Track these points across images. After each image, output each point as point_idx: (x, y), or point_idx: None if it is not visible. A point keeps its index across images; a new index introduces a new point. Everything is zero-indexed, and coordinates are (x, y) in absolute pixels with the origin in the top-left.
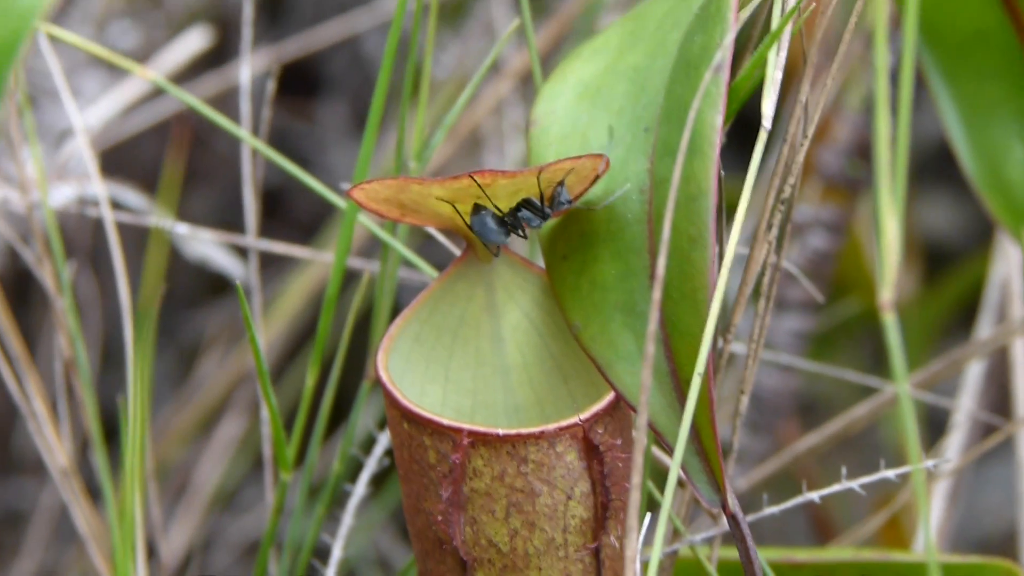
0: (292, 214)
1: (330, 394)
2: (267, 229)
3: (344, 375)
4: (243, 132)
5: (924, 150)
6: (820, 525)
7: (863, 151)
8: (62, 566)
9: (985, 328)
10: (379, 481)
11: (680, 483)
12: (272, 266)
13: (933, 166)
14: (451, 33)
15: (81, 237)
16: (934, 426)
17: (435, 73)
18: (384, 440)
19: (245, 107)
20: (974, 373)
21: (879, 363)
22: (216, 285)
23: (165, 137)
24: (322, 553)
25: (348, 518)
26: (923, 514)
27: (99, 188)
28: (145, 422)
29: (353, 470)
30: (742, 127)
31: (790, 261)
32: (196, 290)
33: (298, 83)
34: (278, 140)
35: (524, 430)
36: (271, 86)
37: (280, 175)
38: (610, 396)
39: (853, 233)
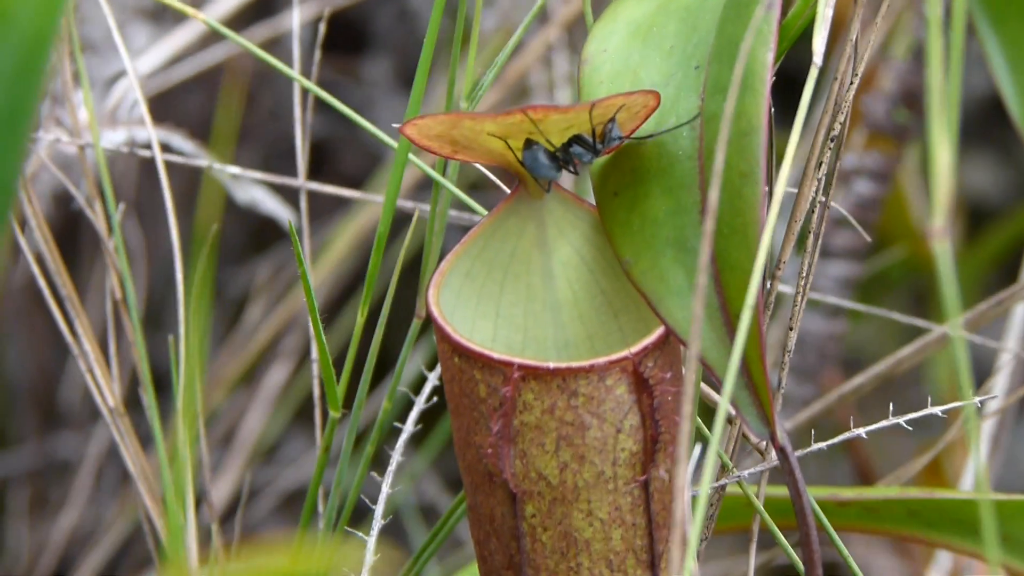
0: (339, 169)
1: (379, 333)
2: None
3: (393, 316)
4: (295, 73)
5: (968, 110)
6: (863, 472)
7: (909, 100)
8: (107, 518)
9: None
10: (424, 428)
11: (729, 420)
12: (320, 217)
13: (977, 127)
14: None
15: (127, 185)
16: (979, 370)
17: (484, 24)
18: (433, 379)
19: (296, 49)
20: (1019, 315)
21: (923, 313)
22: (263, 237)
23: (212, 89)
24: (365, 507)
25: (397, 455)
26: (974, 447)
27: (150, 132)
28: (198, 361)
29: (402, 409)
30: (785, 85)
31: (835, 210)
32: (243, 243)
33: (345, 40)
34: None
35: (574, 363)
36: (322, 30)
37: (327, 129)
38: (660, 330)
39: (898, 183)
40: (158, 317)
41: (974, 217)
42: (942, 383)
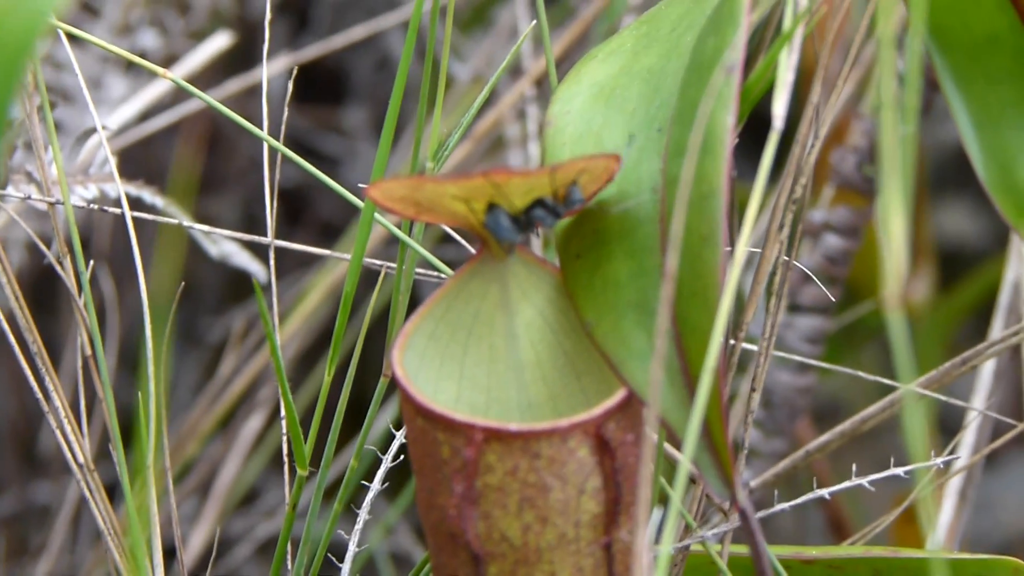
0: (318, 214)
1: (346, 391)
2: (290, 233)
3: (362, 373)
4: (263, 133)
5: (942, 158)
6: (836, 526)
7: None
8: (85, 564)
9: (998, 329)
10: (395, 481)
11: (693, 480)
12: (295, 270)
13: (951, 175)
14: (473, 39)
15: (101, 236)
16: (948, 428)
17: (458, 77)
18: (401, 437)
19: (264, 106)
20: (987, 373)
21: (894, 367)
22: (240, 286)
23: (184, 136)
24: (338, 551)
25: (364, 513)
26: (928, 510)
27: (120, 189)
28: (162, 417)
29: (370, 467)
30: (756, 131)
31: (804, 263)
32: (220, 291)
33: (325, 90)
34: (304, 147)
35: (537, 426)
36: (290, 86)
37: (304, 180)
38: (622, 393)
39: (869, 236)
40: (135, 361)
41: (949, 265)
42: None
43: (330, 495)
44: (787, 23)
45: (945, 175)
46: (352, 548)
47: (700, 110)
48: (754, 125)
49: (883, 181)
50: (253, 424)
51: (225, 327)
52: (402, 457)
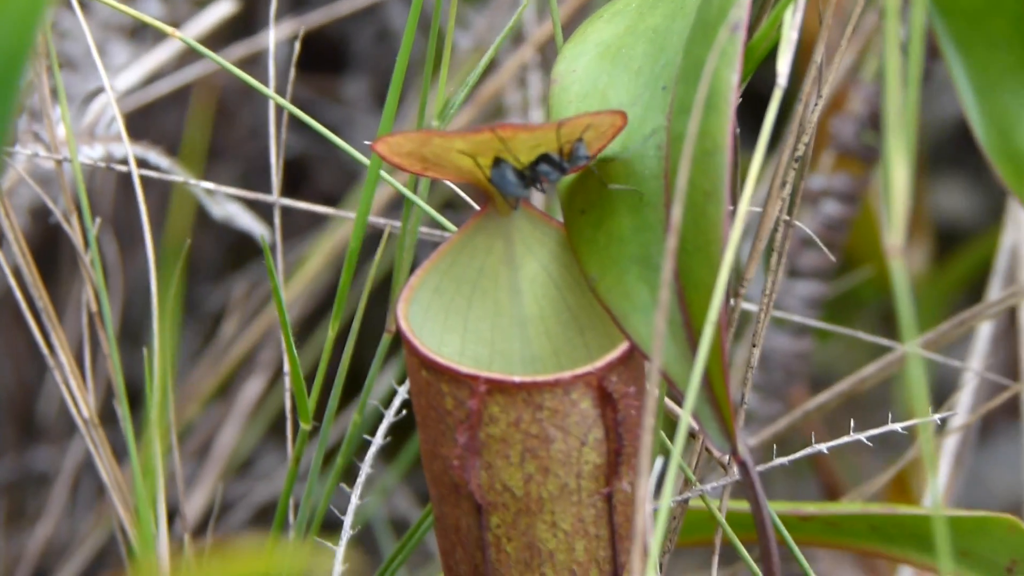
0: (316, 186)
1: (350, 347)
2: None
3: (365, 331)
4: (269, 91)
5: (939, 135)
6: (830, 489)
7: (878, 122)
8: (82, 529)
9: (995, 291)
10: (395, 443)
11: (692, 434)
12: (295, 234)
13: (948, 151)
14: (475, 8)
15: (104, 201)
16: (944, 390)
17: (460, 46)
18: (403, 392)
19: (271, 68)
20: (983, 335)
21: (890, 333)
22: (239, 254)
23: (187, 103)
24: (335, 519)
25: (366, 467)
26: (931, 465)
27: (127, 147)
28: (169, 374)
29: (373, 423)
30: (753, 106)
31: (803, 229)
32: (219, 259)
33: (325, 60)
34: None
35: (540, 378)
36: (296, 48)
37: (304, 147)
38: (624, 346)
39: (867, 204)
40: (135, 331)
41: (945, 240)
42: (909, 402)
43: (329, 459)
44: None
45: (941, 153)
46: (354, 501)
47: (705, 68)
48: (751, 100)
49: (887, 134)
50: (253, 387)
51: (224, 295)
52: (404, 412)
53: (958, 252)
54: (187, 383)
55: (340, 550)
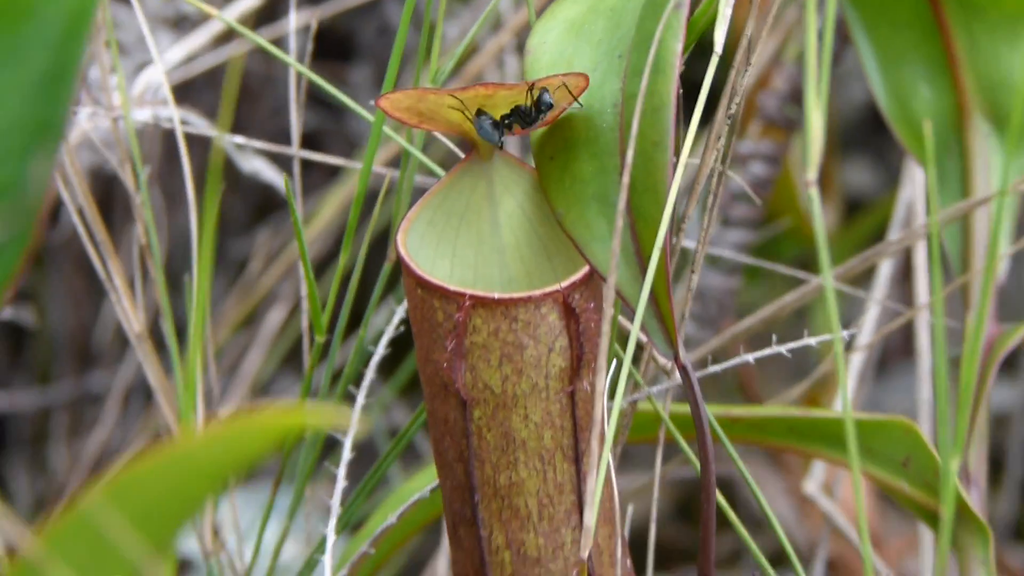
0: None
1: (358, 272)
2: (305, 171)
3: (369, 267)
4: (291, 59)
5: (848, 119)
6: (752, 401)
7: (797, 97)
8: (131, 437)
9: (895, 234)
10: (393, 361)
11: (640, 347)
12: (310, 191)
13: (856, 134)
14: (463, 5)
15: (151, 162)
16: (851, 320)
17: (449, 35)
18: (400, 312)
19: (292, 44)
20: (884, 272)
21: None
22: (263, 211)
23: (220, 88)
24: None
25: (371, 372)
26: (840, 371)
27: (172, 109)
28: (206, 303)
29: (376, 338)
30: (691, 91)
31: (733, 187)
32: (246, 216)
33: (334, 50)
34: (317, 97)
35: (515, 295)
36: (313, 26)
37: (316, 123)
38: (585, 269)
39: (786, 167)
40: (176, 279)
41: (852, 208)
42: (821, 332)
43: (337, 378)
44: None
45: (849, 136)
46: (360, 400)
47: (654, 39)
48: (689, 88)
49: (807, 94)
50: (275, 317)
51: (250, 244)
52: (403, 328)
53: (861, 214)
54: (218, 313)
55: (348, 440)
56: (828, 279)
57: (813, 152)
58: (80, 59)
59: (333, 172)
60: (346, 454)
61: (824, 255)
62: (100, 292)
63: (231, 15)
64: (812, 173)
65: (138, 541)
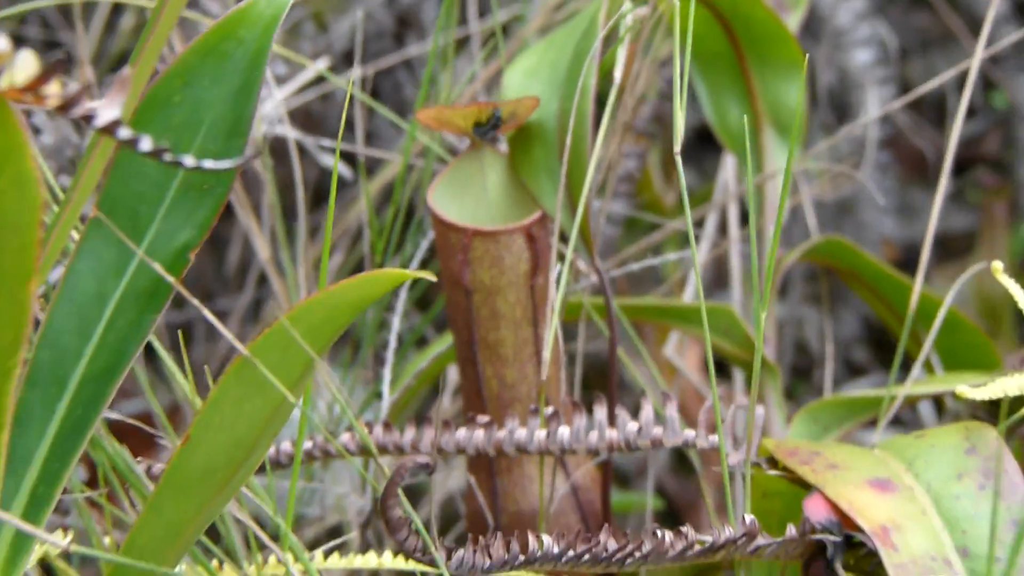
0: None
1: (402, 217)
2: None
3: (408, 214)
4: (362, 94)
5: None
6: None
7: (658, 119)
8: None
9: (719, 196)
10: (426, 296)
11: (570, 261)
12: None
13: (686, 147)
14: (465, 56)
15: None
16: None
17: (459, 72)
18: (426, 243)
19: (356, 75)
20: (711, 220)
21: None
22: (326, 196)
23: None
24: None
25: (401, 304)
26: (696, 277)
27: (287, 126)
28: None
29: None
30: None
31: (618, 173)
32: (319, 196)
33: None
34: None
35: (498, 227)
36: (364, 75)
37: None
38: (539, 213)
39: (647, 164)
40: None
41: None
42: (671, 273)
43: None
44: (621, 33)
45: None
46: (399, 309)
47: (579, 78)
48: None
49: (675, 110)
50: (335, 261)
51: (320, 215)
52: (429, 252)
53: (691, 196)
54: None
55: (398, 310)
56: (689, 223)
57: (677, 134)
58: (259, 84)
59: (376, 162)
60: (396, 322)
61: (686, 206)
62: (228, 239)
63: (316, 67)
64: (677, 146)
65: (310, 346)
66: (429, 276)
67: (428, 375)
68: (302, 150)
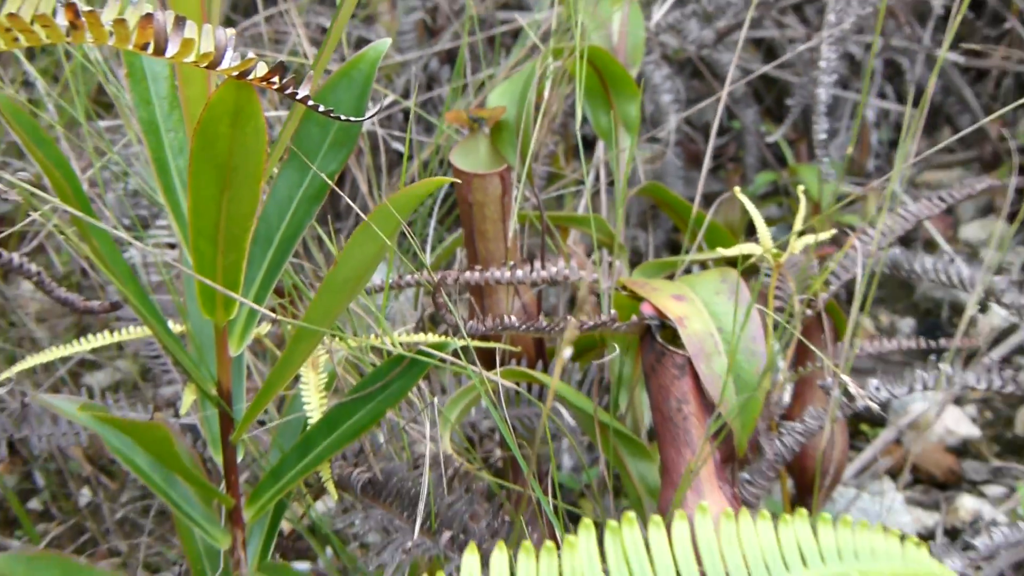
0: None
1: (435, 169)
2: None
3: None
4: (413, 107)
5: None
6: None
7: (563, 124)
8: None
9: (595, 163)
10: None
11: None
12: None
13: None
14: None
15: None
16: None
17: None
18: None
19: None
20: (590, 179)
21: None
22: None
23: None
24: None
25: (434, 219)
26: (587, 197)
27: (377, 128)
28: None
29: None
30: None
31: (546, 150)
32: (391, 164)
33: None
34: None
35: (485, 172)
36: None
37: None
38: (507, 165)
39: (558, 150)
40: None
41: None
42: (570, 201)
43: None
44: (547, 76)
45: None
46: (435, 216)
47: (526, 99)
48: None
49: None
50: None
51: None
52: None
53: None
54: (368, 210)
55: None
56: (586, 176)
57: (577, 130)
58: (368, 95)
59: (422, 144)
60: (432, 223)
61: (584, 166)
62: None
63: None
64: (577, 125)
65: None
66: (447, 181)
67: (448, 251)
68: (384, 139)
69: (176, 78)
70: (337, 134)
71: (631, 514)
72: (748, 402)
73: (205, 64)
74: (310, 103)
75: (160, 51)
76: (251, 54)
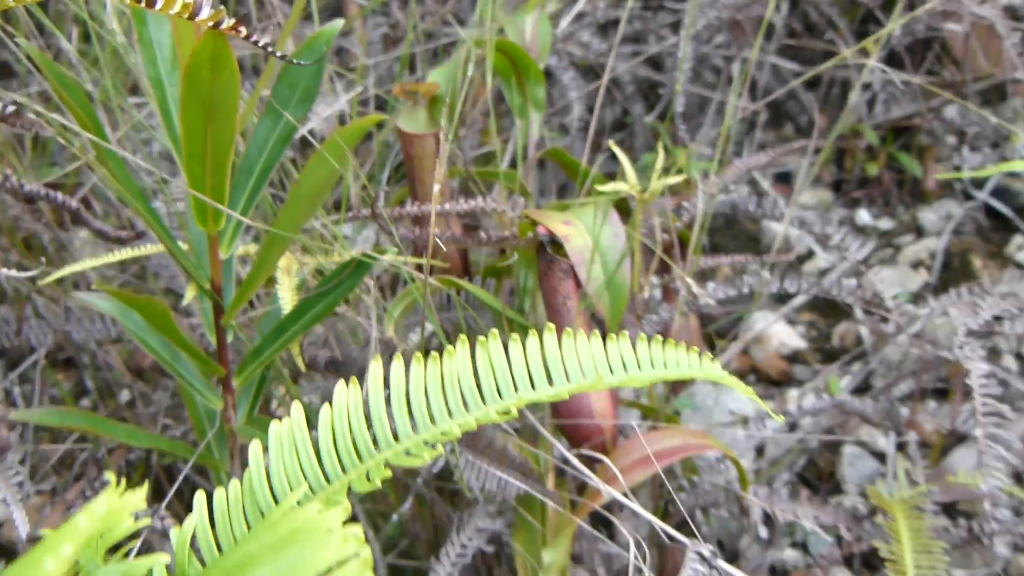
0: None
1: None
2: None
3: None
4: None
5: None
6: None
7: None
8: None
9: (514, 134)
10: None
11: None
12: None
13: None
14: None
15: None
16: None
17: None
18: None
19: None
20: (511, 143)
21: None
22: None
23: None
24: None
25: (387, 172)
26: (509, 158)
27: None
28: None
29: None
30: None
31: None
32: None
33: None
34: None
35: (424, 132)
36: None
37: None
38: (440, 128)
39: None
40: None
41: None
42: (492, 159)
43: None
44: (471, 62)
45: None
46: (387, 168)
47: (457, 79)
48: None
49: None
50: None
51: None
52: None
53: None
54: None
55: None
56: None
57: (491, 107)
58: (327, 57)
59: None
60: (385, 174)
61: (493, 134)
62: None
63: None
64: (488, 94)
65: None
66: (379, 119)
67: (398, 197)
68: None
69: (176, 46)
70: (302, 92)
71: (495, 330)
72: (615, 294)
73: (187, 15)
74: (278, 55)
75: (151, 3)
76: (222, 7)
